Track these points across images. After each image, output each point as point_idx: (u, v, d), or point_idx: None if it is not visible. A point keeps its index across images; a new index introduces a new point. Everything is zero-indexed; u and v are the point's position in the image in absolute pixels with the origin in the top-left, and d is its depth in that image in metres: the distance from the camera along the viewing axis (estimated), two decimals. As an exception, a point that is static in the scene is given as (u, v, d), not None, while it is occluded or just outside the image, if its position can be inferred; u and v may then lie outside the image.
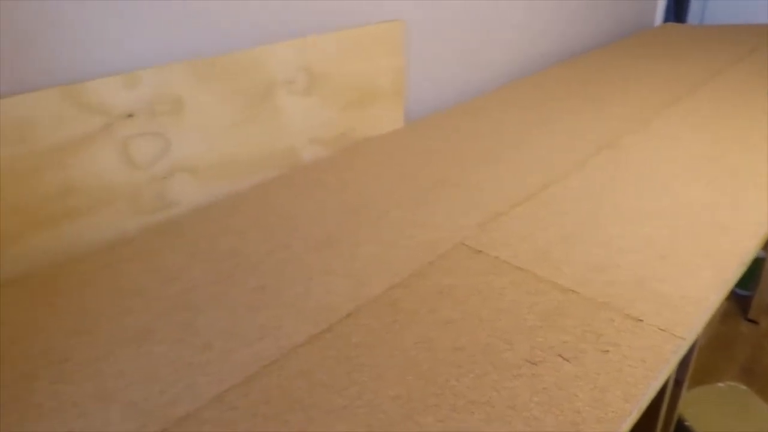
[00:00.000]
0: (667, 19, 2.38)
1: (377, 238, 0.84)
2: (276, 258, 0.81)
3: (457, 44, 1.41)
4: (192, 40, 0.91)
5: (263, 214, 0.92)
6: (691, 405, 1.26)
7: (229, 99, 0.95)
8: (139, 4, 0.84)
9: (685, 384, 0.92)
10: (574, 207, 0.90)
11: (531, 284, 0.73)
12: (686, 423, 1.23)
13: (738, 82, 1.48)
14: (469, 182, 1.00)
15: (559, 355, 0.62)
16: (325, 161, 1.11)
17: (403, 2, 1.23)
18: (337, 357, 0.63)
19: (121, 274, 0.79)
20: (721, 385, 1.34)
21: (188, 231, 0.89)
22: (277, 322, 0.68)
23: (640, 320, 0.66)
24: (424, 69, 1.35)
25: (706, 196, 0.92)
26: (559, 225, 0.86)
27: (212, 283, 0.76)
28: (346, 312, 0.70)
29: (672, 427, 0.98)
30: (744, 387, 1.33)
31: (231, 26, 0.95)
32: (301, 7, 1.04)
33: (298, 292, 0.74)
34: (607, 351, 0.62)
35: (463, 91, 1.49)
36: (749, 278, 1.84)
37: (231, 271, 0.78)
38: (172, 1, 0.87)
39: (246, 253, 0.82)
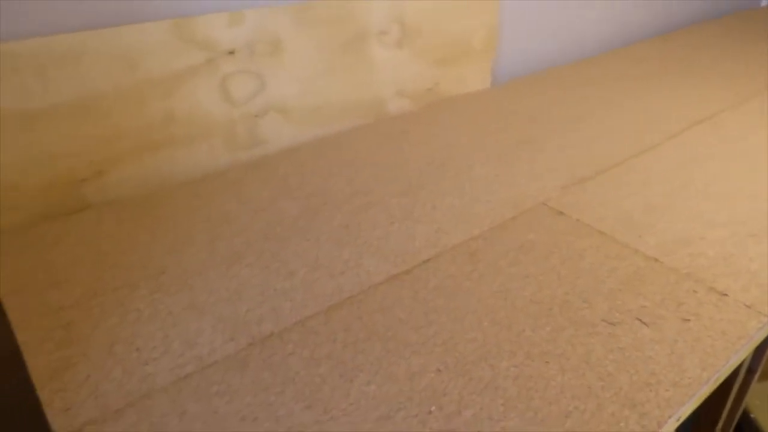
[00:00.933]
0: (776, -1, 2.23)
1: (459, 191, 0.85)
2: (359, 201, 0.83)
3: (551, 12, 1.37)
4: (294, -17, 0.93)
5: (348, 160, 0.94)
6: (759, 398, 1.23)
7: (324, 45, 0.97)
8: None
9: (758, 374, 0.90)
10: (663, 178, 0.88)
11: (612, 248, 0.73)
12: (752, 415, 1.20)
13: None
14: (555, 145, 0.98)
15: (638, 319, 0.61)
16: (410, 114, 1.12)
17: (502, -40, 1.21)
18: (415, 297, 0.65)
19: (212, 203, 0.83)
20: (794, 381, 1.29)
21: (277, 168, 0.92)
22: (359, 259, 0.71)
23: (725, 294, 0.65)
24: (517, 32, 1.32)
25: (806, 181, 0.88)
26: (645, 194, 0.84)
27: (298, 218, 0.79)
28: (426, 257, 0.71)
29: (737, 416, 0.96)
30: (818, 387, 1.28)
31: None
32: (401, -43, 1.04)
33: (380, 234, 0.76)
34: (688, 320, 0.61)
35: (553, 59, 1.45)
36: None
37: (317, 209, 0.81)
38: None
39: (331, 193, 0.85)
